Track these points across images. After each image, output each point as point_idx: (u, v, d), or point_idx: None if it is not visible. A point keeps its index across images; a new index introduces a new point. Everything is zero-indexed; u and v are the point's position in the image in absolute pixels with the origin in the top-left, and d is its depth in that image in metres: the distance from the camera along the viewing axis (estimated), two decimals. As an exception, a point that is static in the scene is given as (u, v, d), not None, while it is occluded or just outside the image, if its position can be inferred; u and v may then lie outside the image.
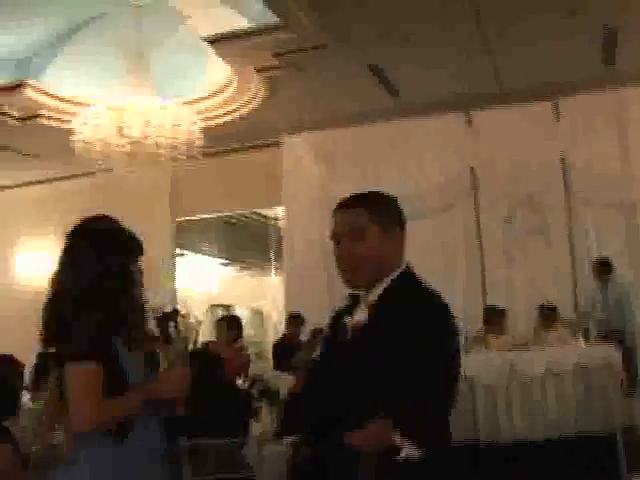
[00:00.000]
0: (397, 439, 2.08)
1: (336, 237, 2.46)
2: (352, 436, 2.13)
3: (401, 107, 10.27)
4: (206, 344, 6.88)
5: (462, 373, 2.44)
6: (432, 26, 8.09)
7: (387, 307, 2.36)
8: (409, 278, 2.44)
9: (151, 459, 2.59)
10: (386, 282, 2.41)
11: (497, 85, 9.83)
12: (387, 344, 2.22)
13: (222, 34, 8.20)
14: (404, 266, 2.47)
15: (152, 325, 8.49)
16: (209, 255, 17.04)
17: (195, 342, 8.06)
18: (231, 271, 17.98)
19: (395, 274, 2.42)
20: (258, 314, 15.78)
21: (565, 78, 9.56)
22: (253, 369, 6.70)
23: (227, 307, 17.02)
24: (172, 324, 8.28)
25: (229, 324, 7.24)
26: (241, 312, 17.40)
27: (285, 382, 6.60)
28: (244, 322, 16.49)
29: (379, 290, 2.41)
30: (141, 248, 2.71)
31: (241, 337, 7.23)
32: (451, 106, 10.24)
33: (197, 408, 4.50)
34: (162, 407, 2.66)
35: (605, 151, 9.75)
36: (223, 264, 17.79)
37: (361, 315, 2.43)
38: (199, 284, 16.95)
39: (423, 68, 9.17)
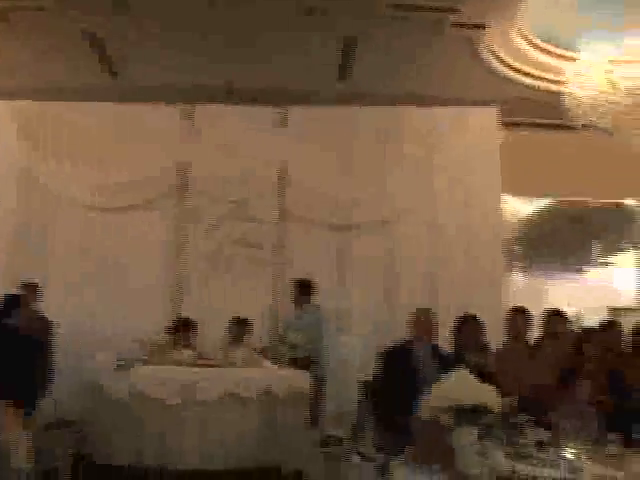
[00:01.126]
0: None
1: None
2: None
3: (120, 89, 9.16)
4: None
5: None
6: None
7: None
8: None
9: None
10: None
11: (225, 82, 9.02)
12: None
13: None
14: None
15: None
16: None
17: None
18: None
19: None
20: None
21: (297, 86, 9.01)
22: None
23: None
24: None
25: None
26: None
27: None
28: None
29: None
30: None
31: None
32: (174, 97, 9.28)
33: None
34: None
35: (327, 169, 9.25)
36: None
37: None
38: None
39: (146, 50, 8.19)
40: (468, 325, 6.53)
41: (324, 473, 5.17)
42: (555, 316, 6.87)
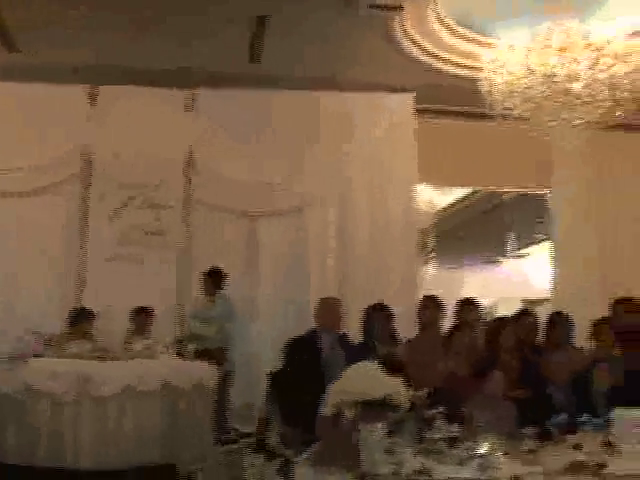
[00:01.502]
0: None
1: None
2: None
3: (22, 68, 8.62)
4: None
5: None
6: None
7: None
8: None
9: None
10: None
11: (132, 62, 8.58)
12: None
13: None
14: None
15: None
16: None
17: None
18: None
19: None
20: None
21: (207, 68, 8.63)
22: None
23: None
24: None
25: None
26: None
27: None
28: None
29: None
30: None
31: None
32: (75, 76, 8.78)
33: None
34: None
35: (236, 154, 8.91)
36: None
37: None
38: None
39: (48, 27, 7.70)
40: (378, 314, 6.30)
41: (225, 470, 4.85)
42: (467, 304, 6.71)
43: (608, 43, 6.83)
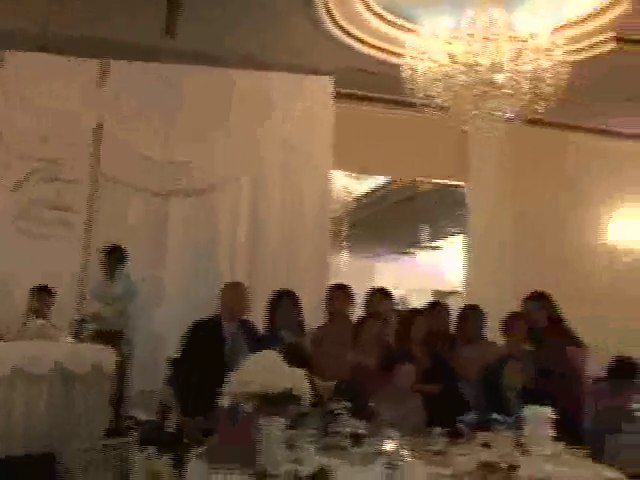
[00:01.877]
0: None
1: None
2: None
3: None
4: None
5: None
6: None
7: None
8: None
9: None
10: None
11: (42, 29, 8.09)
12: None
13: None
14: None
15: None
16: None
17: None
18: None
19: None
20: None
21: (120, 38, 8.21)
22: None
23: None
24: None
25: None
26: None
27: None
28: None
29: None
30: None
31: None
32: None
33: None
34: None
35: (147, 130, 8.53)
36: None
37: None
38: None
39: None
40: (284, 301, 6.05)
41: (112, 464, 4.56)
42: (378, 294, 6.53)
43: (532, 37, 6.73)
